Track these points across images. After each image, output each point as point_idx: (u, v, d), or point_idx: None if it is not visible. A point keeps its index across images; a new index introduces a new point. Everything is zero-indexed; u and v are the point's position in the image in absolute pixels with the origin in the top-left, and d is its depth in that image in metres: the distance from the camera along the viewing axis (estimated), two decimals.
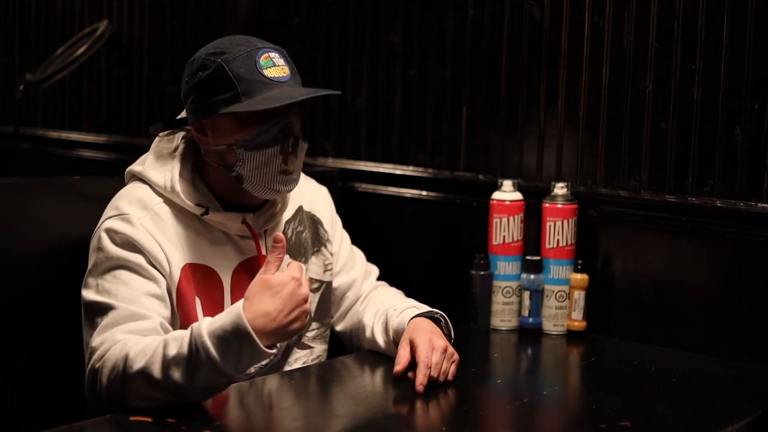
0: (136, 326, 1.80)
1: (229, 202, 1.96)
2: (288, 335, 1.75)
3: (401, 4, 2.75)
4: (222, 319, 1.69)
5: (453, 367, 1.94)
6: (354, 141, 2.86)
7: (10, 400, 2.06)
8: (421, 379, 1.87)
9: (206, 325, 1.69)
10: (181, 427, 1.64)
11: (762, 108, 2.19)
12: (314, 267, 2.13)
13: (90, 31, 3.47)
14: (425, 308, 2.07)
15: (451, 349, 1.96)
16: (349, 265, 2.24)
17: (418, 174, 2.72)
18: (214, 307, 1.93)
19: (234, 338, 1.67)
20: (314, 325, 2.12)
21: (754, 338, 2.21)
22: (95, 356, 1.78)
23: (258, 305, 1.69)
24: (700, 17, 2.24)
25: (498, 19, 2.57)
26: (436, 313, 2.05)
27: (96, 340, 1.79)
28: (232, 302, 1.95)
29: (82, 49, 3.44)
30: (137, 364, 1.70)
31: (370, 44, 2.81)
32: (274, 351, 1.72)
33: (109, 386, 1.74)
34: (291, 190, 1.97)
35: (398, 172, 2.76)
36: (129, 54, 3.47)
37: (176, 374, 1.68)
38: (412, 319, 2.02)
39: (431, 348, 1.91)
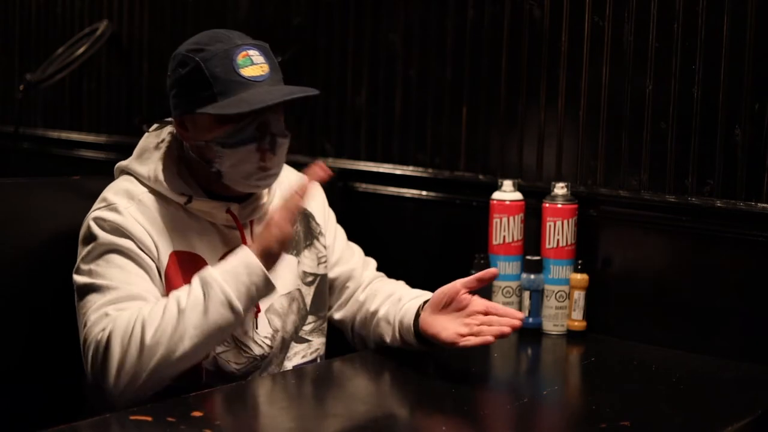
0: (137, 305, 1.83)
1: (213, 192, 1.99)
2: (281, 241, 1.85)
3: (401, 4, 2.75)
4: (230, 259, 1.85)
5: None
6: (354, 141, 2.86)
7: (9, 400, 2.06)
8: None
9: (216, 267, 1.84)
10: (181, 426, 1.64)
11: (762, 108, 2.19)
12: (307, 261, 2.13)
13: (90, 31, 3.47)
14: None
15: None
16: (346, 256, 2.24)
17: (418, 174, 2.72)
18: None
19: (244, 270, 1.82)
20: (311, 318, 2.12)
21: (754, 338, 2.21)
22: (97, 328, 1.81)
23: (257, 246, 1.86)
24: (700, 17, 2.24)
25: (498, 19, 2.57)
26: None
27: (96, 313, 1.82)
28: None
29: (82, 49, 3.44)
30: (153, 322, 1.78)
31: (370, 44, 2.82)
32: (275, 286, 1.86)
33: (122, 356, 1.78)
34: (270, 185, 2.00)
35: (398, 172, 2.76)
36: (129, 54, 3.47)
37: (194, 317, 1.78)
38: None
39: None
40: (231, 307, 1.81)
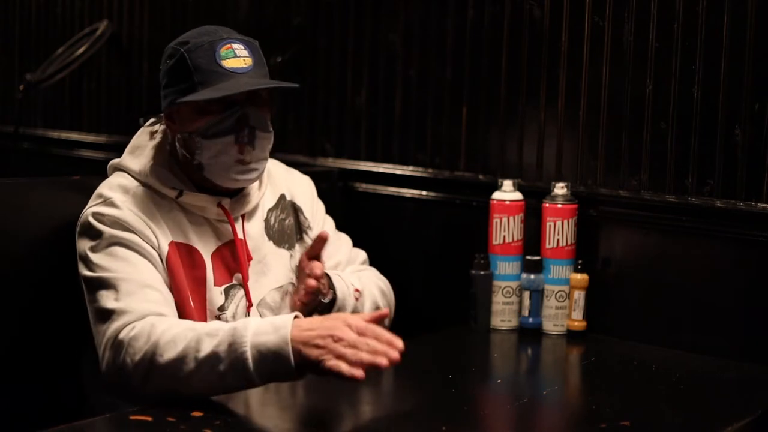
0: (151, 296, 1.84)
1: (203, 187, 2.00)
2: (309, 357, 1.69)
3: (401, 4, 2.75)
4: (268, 336, 1.70)
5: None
6: (354, 141, 2.86)
7: (9, 400, 2.06)
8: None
9: (251, 335, 1.70)
10: (181, 426, 1.64)
11: (762, 108, 2.19)
12: (299, 255, 2.13)
13: (90, 31, 3.47)
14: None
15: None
16: (331, 251, 2.23)
17: (418, 174, 2.72)
18: (197, 285, 1.96)
19: (274, 359, 1.69)
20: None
21: (754, 338, 2.21)
22: (117, 324, 1.79)
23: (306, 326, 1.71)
24: (700, 17, 2.24)
25: (498, 19, 2.57)
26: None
27: (116, 305, 1.81)
28: (215, 282, 1.98)
29: (82, 49, 3.44)
30: (168, 355, 1.73)
31: (370, 44, 2.81)
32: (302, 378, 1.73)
33: (134, 369, 1.75)
34: (251, 181, 2.00)
35: (398, 172, 2.76)
36: (129, 54, 3.47)
37: (208, 374, 1.71)
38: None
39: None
40: (249, 382, 1.73)
